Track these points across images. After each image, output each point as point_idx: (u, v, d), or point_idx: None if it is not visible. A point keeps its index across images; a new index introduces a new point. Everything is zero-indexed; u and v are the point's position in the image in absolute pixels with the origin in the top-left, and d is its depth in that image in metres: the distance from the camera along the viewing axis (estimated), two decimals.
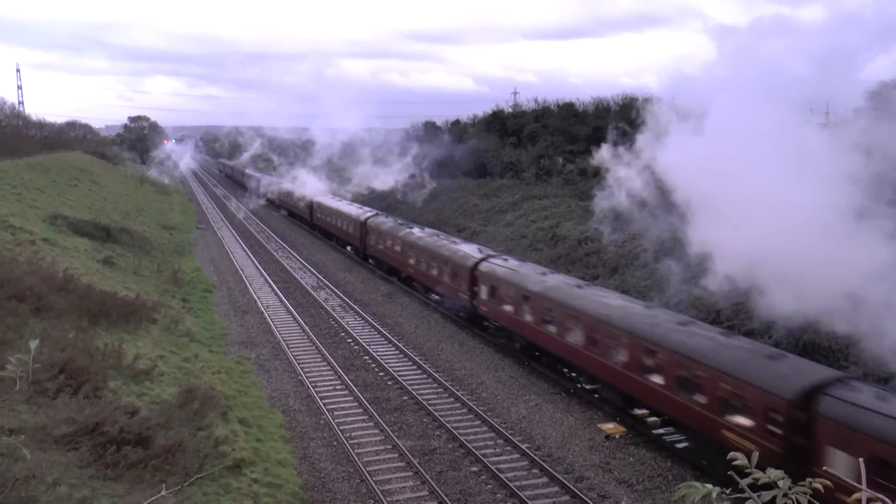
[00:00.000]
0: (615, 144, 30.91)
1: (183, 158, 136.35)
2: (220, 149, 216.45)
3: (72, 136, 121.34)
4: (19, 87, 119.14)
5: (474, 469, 20.65)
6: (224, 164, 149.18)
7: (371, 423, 23.62)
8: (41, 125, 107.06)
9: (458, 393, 26.25)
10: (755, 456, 3.16)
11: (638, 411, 22.70)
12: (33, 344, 4.08)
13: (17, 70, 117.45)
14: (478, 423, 23.90)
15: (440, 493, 19.05)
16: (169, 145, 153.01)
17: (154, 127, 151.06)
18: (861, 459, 3.45)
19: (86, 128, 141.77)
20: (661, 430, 21.93)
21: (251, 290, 41.98)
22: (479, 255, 34.44)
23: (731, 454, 3.28)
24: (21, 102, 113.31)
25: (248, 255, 54.54)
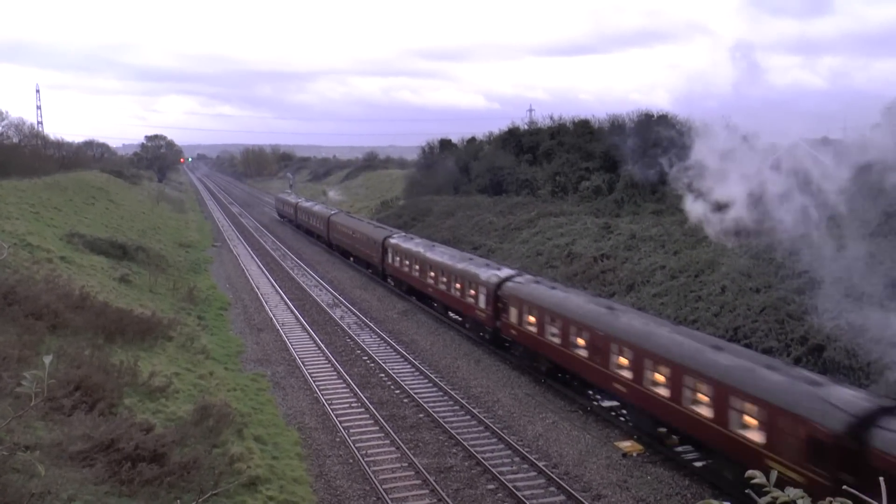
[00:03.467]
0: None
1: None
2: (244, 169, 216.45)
3: (89, 156, 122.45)
4: (38, 108, 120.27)
5: (491, 487, 20.51)
6: (299, 206, 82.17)
7: (387, 441, 23.54)
8: (59, 145, 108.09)
9: (474, 410, 26.14)
10: (774, 474, 3.11)
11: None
12: (47, 359, 4.08)
13: (37, 91, 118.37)
14: (494, 440, 23.77)
15: None
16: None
17: (171, 145, 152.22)
18: (881, 479, 3.39)
19: (103, 147, 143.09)
20: (679, 448, 21.76)
21: (267, 308, 42.04)
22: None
23: (749, 472, 3.22)
24: (40, 122, 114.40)
25: (263, 272, 54.67)
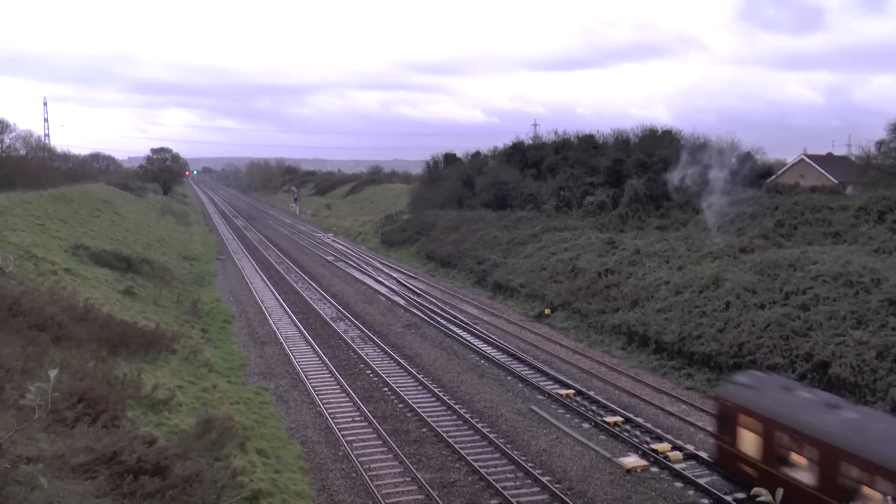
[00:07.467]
0: None
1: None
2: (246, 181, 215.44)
3: (95, 168, 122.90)
4: (45, 120, 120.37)
5: (494, 502, 20.42)
6: None
7: (390, 455, 23.46)
8: (66, 157, 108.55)
9: (477, 425, 26.07)
10: (780, 493, 3.09)
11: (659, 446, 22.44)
12: (52, 373, 4.09)
13: (45, 103, 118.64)
14: (498, 455, 23.69)
15: None
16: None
17: (176, 158, 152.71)
18: (889, 497, 3.37)
19: (109, 159, 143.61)
20: (682, 465, 21.66)
21: (270, 321, 42.03)
22: None
23: (755, 490, 3.21)
24: (47, 135, 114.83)
25: (267, 286, 54.69)
